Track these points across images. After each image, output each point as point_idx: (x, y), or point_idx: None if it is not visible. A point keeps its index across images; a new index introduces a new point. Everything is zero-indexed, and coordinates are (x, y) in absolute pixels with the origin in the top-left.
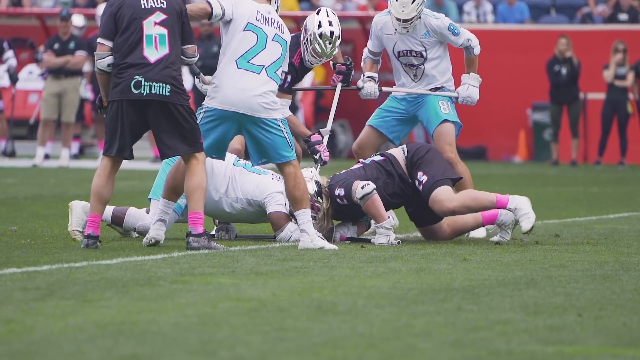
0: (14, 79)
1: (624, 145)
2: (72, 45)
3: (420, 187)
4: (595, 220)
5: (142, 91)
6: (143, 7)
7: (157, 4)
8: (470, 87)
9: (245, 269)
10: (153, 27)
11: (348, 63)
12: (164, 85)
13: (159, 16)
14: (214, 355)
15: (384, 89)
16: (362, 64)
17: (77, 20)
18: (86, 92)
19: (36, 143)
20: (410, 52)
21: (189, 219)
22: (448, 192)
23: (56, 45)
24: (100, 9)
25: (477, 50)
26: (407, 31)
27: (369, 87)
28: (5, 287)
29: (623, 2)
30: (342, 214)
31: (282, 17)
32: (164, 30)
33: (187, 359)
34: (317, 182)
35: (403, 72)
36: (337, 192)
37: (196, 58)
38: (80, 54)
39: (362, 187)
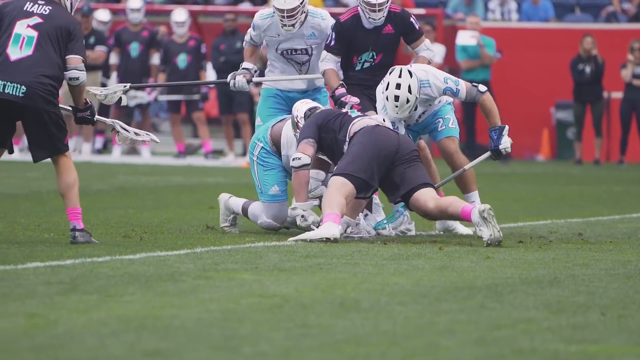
0: None
1: None
2: (92, 40)
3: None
4: (618, 220)
5: (8, 90)
6: (25, 9)
7: (39, 11)
8: None
9: (268, 265)
10: (25, 29)
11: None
12: (18, 86)
13: (35, 20)
14: (236, 351)
15: (255, 79)
16: (244, 47)
17: (102, 15)
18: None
19: None
20: (295, 50)
21: (71, 215)
22: (336, 182)
23: None
24: (132, 2)
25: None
26: (293, 26)
27: (238, 80)
28: (28, 281)
29: None
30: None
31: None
32: (34, 33)
33: (210, 354)
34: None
35: (288, 64)
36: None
37: (78, 72)
38: (100, 49)
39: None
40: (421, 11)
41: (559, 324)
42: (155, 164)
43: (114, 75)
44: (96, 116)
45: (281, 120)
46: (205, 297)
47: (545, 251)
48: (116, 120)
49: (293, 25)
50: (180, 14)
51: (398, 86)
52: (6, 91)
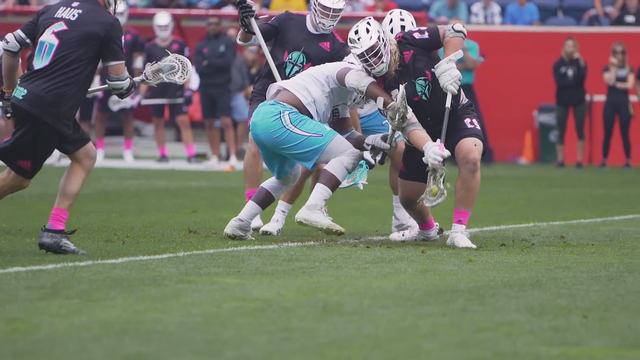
0: None
1: (627, 147)
2: None
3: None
4: (600, 222)
5: (17, 94)
6: (55, 15)
7: (67, 16)
8: None
9: (250, 269)
10: (49, 35)
11: None
12: (22, 89)
13: (60, 26)
14: (219, 355)
15: None
16: None
17: None
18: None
19: None
20: None
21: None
22: (474, 141)
23: None
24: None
25: None
26: None
27: None
28: (10, 285)
29: (630, 4)
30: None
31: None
32: (55, 41)
33: (192, 358)
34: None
35: None
36: (417, 34)
37: (123, 82)
38: None
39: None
40: None
41: (541, 326)
42: (138, 167)
43: (96, 79)
44: (132, 80)
45: (276, 93)
46: (187, 301)
47: (528, 254)
48: (146, 71)
49: None
50: (163, 18)
51: (367, 31)
52: (14, 95)
